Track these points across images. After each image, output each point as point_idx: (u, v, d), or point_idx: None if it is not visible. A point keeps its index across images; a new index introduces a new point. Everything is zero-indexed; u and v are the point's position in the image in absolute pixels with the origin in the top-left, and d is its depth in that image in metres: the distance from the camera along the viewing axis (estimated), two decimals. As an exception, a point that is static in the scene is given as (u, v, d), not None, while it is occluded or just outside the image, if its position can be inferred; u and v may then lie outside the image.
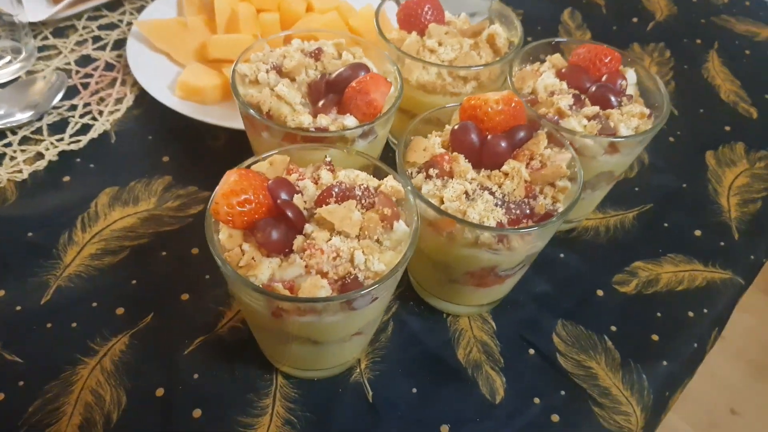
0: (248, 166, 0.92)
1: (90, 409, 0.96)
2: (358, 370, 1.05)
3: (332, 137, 0.99)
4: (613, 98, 1.11)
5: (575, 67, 1.16)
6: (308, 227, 0.86)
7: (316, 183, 0.91)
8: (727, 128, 1.56)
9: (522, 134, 1.03)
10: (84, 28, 1.62)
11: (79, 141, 1.35)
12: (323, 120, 1.00)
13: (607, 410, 1.02)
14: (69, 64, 1.53)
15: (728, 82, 1.69)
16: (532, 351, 1.09)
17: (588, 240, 1.28)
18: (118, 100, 1.44)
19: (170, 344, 1.05)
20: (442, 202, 0.93)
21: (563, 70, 1.16)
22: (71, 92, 1.45)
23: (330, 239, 0.84)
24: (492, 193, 0.95)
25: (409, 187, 0.93)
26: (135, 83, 1.47)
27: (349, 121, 1.01)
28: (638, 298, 1.19)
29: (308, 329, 0.87)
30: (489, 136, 1.01)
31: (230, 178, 0.84)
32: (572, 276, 1.21)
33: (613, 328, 1.13)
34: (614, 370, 1.08)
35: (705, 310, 1.18)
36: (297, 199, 0.89)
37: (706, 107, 1.61)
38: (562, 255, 1.24)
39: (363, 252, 0.84)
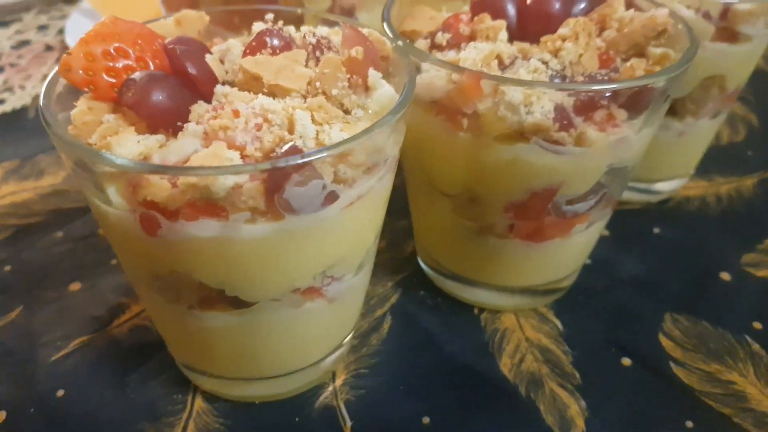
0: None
1: None
2: (330, 388, 0.63)
3: (290, 7, 0.64)
4: None
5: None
6: (220, 89, 0.49)
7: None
8: None
9: (585, 2, 0.66)
10: (33, 19, 1.38)
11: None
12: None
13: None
14: (2, 47, 1.26)
15: None
16: (627, 360, 0.66)
17: (692, 212, 0.87)
18: (47, 77, 1.14)
19: (32, 348, 0.66)
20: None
21: None
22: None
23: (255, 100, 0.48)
24: (544, 62, 0.58)
25: (399, 42, 0.56)
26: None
27: (313, -15, 0.67)
28: (788, 284, 0.76)
29: (215, 263, 0.48)
30: (531, -2, 0.64)
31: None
32: (678, 255, 0.80)
33: (758, 325, 0.69)
34: (774, 385, 0.64)
35: None
36: (212, 60, 0.53)
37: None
38: (657, 230, 0.84)
39: (313, 115, 0.46)
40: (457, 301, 0.73)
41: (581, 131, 0.55)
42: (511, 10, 0.66)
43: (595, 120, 0.57)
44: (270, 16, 0.60)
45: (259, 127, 0.46)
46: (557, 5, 0.65)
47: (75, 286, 0.75)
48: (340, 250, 0.52)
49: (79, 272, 0.77)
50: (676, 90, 0.75)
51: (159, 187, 0.43)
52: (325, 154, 0.43)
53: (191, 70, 0.51)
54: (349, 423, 0.60)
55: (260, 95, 0.49)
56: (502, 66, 0.59)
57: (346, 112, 0.50)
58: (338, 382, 0.64)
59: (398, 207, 0.74)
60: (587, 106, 0.57)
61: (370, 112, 0.51)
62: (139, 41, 0.53)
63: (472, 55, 0.58)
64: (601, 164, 0.59)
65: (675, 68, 0.56)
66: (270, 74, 0.50)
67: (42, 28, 1.34)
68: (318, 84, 0.49)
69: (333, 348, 0.63)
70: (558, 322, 0.71)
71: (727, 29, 0.72)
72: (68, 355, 0.67)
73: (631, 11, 0.65)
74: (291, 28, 0.58)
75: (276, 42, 0.54)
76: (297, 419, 0.61)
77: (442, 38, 0.62)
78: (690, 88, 0.76)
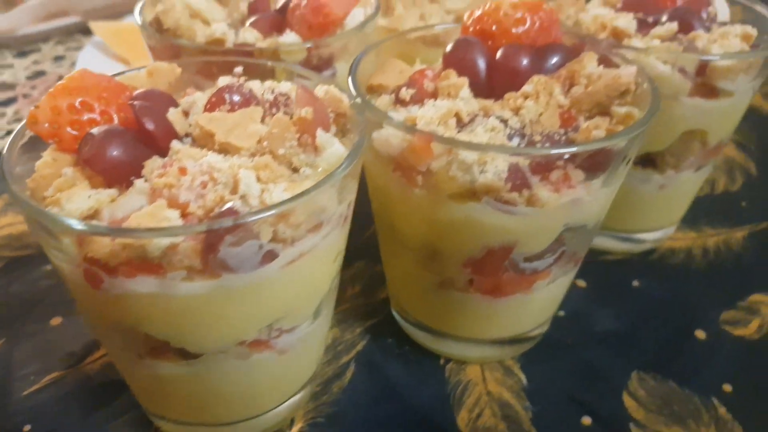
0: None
1: None
2: (288, 435, 0.64)
3: (261, 60, 0.67)
4: (697, 22, 0.75)
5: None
6: (176, 145, 0.51)
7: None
8: None
9: (556, 57, 0.67)
10: (51, 50, 1.43)
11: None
12: (249, 35, 0.68)
13: None
14: (18, 78, 1.32)
15: None
16: (588, 419, 0.66)
17: (676, 265, 0.86)
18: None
19: (7, 381, 0.69)
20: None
21: (618, 6, 0.81)
22: (9, 103, 1.23)
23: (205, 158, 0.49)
24: (503, 121, 0.59)
25: (358, 99, 0.58)
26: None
27: (289, 37, 0.69)
28: (765, 344, 0.74)
29: (156, 317, 0.50)
30: (502, 49, 0.65)
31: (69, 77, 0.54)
32: (654, 310, 0.79)
33: (728, 388, 0.68)
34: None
35: None
36: (174, 115, 0.55)
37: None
38: (636, 282, 0.83)
39: (258, 175, 0.48)
40: (425, 350, 0.74)
41: (532, 192, 0.56)
42: (481, 64, 0.67)
43: (551, 180, 0.58)
44: (239, 69, 0.63)
45: (204, 185, 0.48)
46: (524, 61, 0.65)
47: (56, 321, 0.77)
48: (285, 305, 0.54)
49: (62, 306, 0.79)
50: (655, 144, 0.76)
51: (100, 244, 0.45)
52: (257, 217, 0.45)
53: (148, 125, 0.53)
54: (300, 472, 0.61)
55: (210, 153, 0.51)
56: (461, 124, 0.60)
57: (295, 170, 0.52)
58: (294, 429, 0.65)
59: (374, 252, 0.75)
60: (543, 167, 0.57)
61: (319, 170, 0.52)
62: (105, 95, 0.56)
63: (429, 113, 0.59)
64: (556, 224, 0.59)
65: (630, 131, 0.57)
66: (222, 132, 0.52)
67: (58, 58, 1.39)
68: (266, 143, 0.51)
69: (288, 396, 0.64)
70: (523, 376, 0.71)
71: (706, 85, 0.72)
72: (40, 390, 0.69)
73: (601, 68, 0.65)
74: (256, 83, 0.60)
75: (236, 98, 0.56)
76: (251, 466, 0.62)
77: (406, 94, 0.63)
78: (669, 142, 0.76)
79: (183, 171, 0.48)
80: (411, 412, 0.67)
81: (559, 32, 0.71)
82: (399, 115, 0.61)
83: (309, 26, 0.70)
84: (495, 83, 0.66)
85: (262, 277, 0.49)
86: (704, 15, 0.79)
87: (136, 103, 0.54)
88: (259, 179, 0.49)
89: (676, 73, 0.70)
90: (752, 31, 0.74)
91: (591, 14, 0.80)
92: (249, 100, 0.56)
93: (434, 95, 0.63)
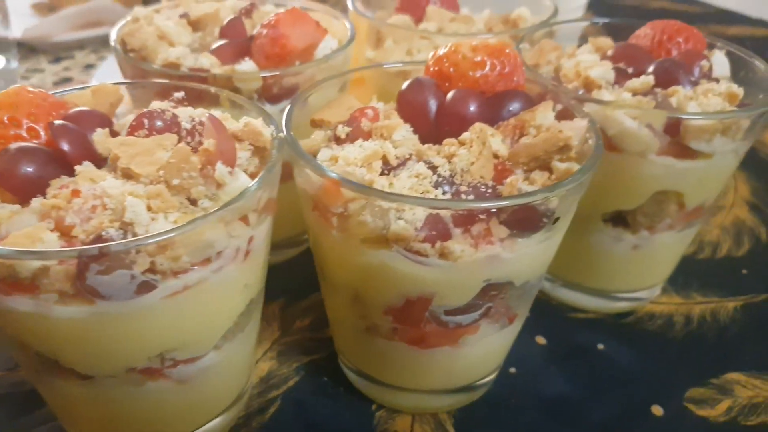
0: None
1: None
2: (196, 466, 0.63)
3: (216, 84, 0.67)
4: (682, 75, 0.71)
5: (630, 47, 0.78)
6: (81, 167, 0.52)
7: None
8: None
9: (513, 105, 0.65)
10: (84, 58, 1.50)
11: None
12: (205, 60, 0.69)
13: None
14: (45, 82, 1.39)
15: None
16: (513, 490, 0.62)
17: (651, 332, 0.81)
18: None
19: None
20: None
21: (610, 53, 0.78)
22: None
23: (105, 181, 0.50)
24: (432, 167, 0.57)
25: (281, 134, 0.57)
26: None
27: (246, 65, 0.69)
28: (731, 429, 0.68)
29: (40, 336, 0.50)
30: (452, 93, 0.63)
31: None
32: (614, 378, 0.74)
33: (678, 475, 0.63)
34: None
35: None
36: (100, 136, 0.56)
37: None
38: (601, 345, 0.78)
39: (149, 204, 0.48)
40: (359, 394, 0.72)
41: (444, 245, 0.53)
42: (431, 107, 0.65)
43: (473, 234, 0.55)
44: (179, 94, 0.63)
45: (93, 210, 0.48)
46: (472, 107, 0.63)
47: None
48: (175, 336, 0.53)
49: None
50: (624, 202, 0.72)
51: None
52: (123, 248, 0.45)
53: (61, 144, 0.54)
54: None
55: (112, 177, 0.51)
56: (388, 167, 0.58)
57: (193, 203, 0.51)
58: (205, 460, 0.64)
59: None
60: (465, 219, 0.55)
61: (220, 203, 0.52)
62: (35, 111, 0.57)
63: (354, 153, 0.57)
64: (474, 279, 0.57)
65: (552, 189, 0.53)
66: (127, 156, 0.52)
67: (88, 67, 1.46)
68: (161, 172, 0.51)
69: (197, 426, 0.63)
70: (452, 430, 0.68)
71: (680, 144, 0.67)
72: (-27, 391, 0.71)
73: (551, 119, 0.62)
74: (187, 110, 0.60)
75: (156, 123, 0.56)
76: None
77: (342, 131, 0.62)
78: (639, 201, 0.72)
79: (76, 193, 0.49)
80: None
81: (522, 79, 0.68)
82: (327, 153, 0.60)
83: (266, 56, 0.70)
84: (442, 128, 0.64)
85: (141, 307, 0.49)
86: (696, 69, 0.74)
87: (55, 122, 0.55)
88: (149, 208, 0.49)
89: (644, 130, 0.66)
90: (738, 91, 0.69)
91: (573, 61, 0.76)
92: (168, 127, 0.56)
93: (369, 135, 0.62)
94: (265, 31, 0.70)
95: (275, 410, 0.69)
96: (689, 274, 0.89)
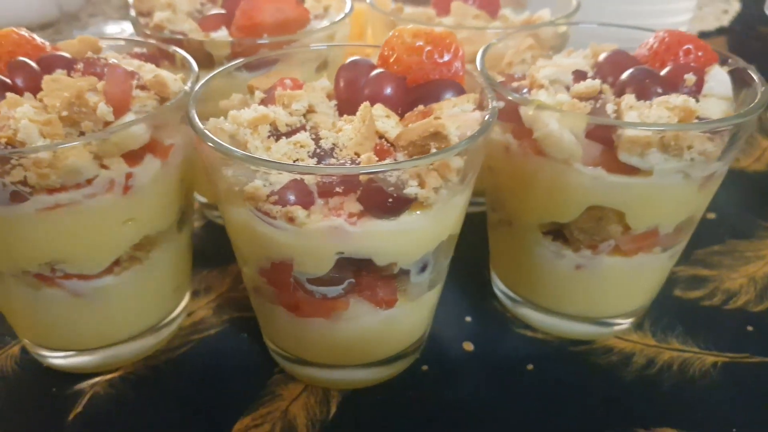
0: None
1: None
2: (104, 377, 0.72)
3: (190, 48, 0.76)
4: (649, 86, 0.66)
5: (620, 54, 0.73)
6: (12, 95, 0.63)
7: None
8: None
9: (439, 92, 0.66)
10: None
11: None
12: (186, 26, 0.78)
13: None
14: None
15: None
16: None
17: (599, 365, 0.76)
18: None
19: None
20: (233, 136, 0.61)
21: (600, 59, 0.74)
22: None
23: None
24: (317, 139, 0.60)
25: (192, 86, 0.64)
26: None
27: (219, 34, 0.77)
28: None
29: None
30: (374, 74, 0.66)
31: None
32: (528, 403, 0.71)
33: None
34: None
35: None
36: (55, 74, 0.67)
37: None
38: (531, 366, 0.74)
39: (41, 129, 0.58)
40: (267, 355, 0.76)
41: (289, 210, 0.56)
42: (357, 86, 0.67)
43: (329, 205, 0.57)
44: (140, 50, 0.73)
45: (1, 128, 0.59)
46: (388, 89, 0.65)
47: None
48: (56, 248, 0.62)
49: None
50: (556, 213, 0.69)
51: None
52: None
53: (12, 77, 0.65)
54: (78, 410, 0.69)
55: (26, 104, 0.61)
56: (277, 133, 0.62)
57: (82, 134, 0.60)
58: (109, 377, 0.73)
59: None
60: (327, 190, 0.57)
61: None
62: (12, 50, 0.70)
63: (246, 115, 0.62)
64: (325, 249, 0.58)
65: (393, 165, 0.54)
66: (47, 90, 0.62)
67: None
68: (58, 104, 0.60)
69: (108, 343, 0.72)
70: (333, 410, 0.70)
71: (614, 156, 0.63)
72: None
73: (457, 109, 0.62)
74: (134, 62, 0.69)
75: (96, 69, 0.66)
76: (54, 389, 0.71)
77: (257, 96, 0.67)
78: (572, 214, 0.67)
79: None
80: (218, 394, 0.71)
81: (462, 70, 0.68)
82: (233, 114, 0.64)
83: (237, 26, 0.77)
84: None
85: (20, 215, 0.58)
86: (685, 83, 0.67)
87: (16, 59, 0.67)
88: (42, 133, 0.58)
89: (567, 134, 0.62)
90: (694, 106, 0.62)
91: (544, 62, 0.74)
92: (96, 72, 0.65)
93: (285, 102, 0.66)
94: (241, 5, 0.77)
95: (186, 350, 0.76)
96: (679, 317, 0.81)
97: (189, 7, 0.85)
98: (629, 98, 0.64)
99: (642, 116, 0.62)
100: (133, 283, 0.69)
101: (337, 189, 0.57)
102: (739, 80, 0.71)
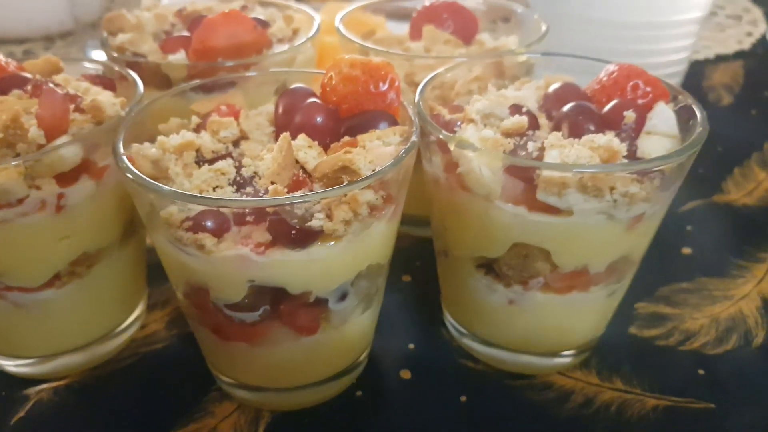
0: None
1: None
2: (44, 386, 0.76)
3: (148, 70, 0.79)
4: (584, 122, 0.65)
5: (567, 87, 0.73)
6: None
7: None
8: None
9: (374, 122, 0.67)
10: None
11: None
12: (146, 47, 0.81)
13: None
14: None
15: None
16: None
17: (533, 400, 0.75)
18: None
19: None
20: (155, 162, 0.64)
21: (549, 90, 0.74)
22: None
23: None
24: (239, 167, 0.62)
25: (129, 110, 0.67)
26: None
27: (176, 57, 0.80)
28: None
29: None
30: (307, 102, 0.68)
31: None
32: None
33: None
34: None
35: None
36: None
37: None
38: (464, 397, 0.74)
39: None
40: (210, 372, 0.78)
41: (197, 237, 0.58)
42: (288, 114, 0.69)
43: (242, 234, 0.59)
44: (97, 69, 0.76)
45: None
46: (318, 119, 0.67)
47: None
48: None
49: None
50: (483, 248, 0.69)
51: None
52: None
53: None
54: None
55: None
56: (203, 159, 0.64)
57: (18, 155, 0.63)
58: (61, 383, 0.76)
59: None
60: (239, 218, 0.59)
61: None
62: None
63: (172, 141, 0.64)
64: (236, 277, 0.60)
65: (290, 199, 0.56)
66: (-6, 110, 0.66)
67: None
68: (-3, 126, 0.63)
69: (47, 353, 0.75)
70: (261, 429, 0.71)
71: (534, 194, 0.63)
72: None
73: (378, 142, 0.63)
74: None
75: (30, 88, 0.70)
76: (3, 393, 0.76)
77: (193, 122, 0.69)
78: (498, 250, 0.67)
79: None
80: (153, 407, 0.74)
81: (397, 101, 0.69)
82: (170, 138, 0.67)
83: (193, 50, 0.80)
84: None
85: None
86: (625, 121, 0.67)
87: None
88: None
89: (486, 171, 0.63)
90: (618, 147, 0.61)
91: (488, 95, 0.74)
92: (36, 93, 0.69)
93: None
94: (198, 29, 0.80)
95: (132, 362, 0.79)
96: (629, 355, 0.79)
97: (156, 27, 0.88)
98: (554, 136, 0.64)
99: (563, 155, 0.61)
100: (75, 297, 0.72)
101: (248, 218, 0.59)
102: (686, 118, 0.69)
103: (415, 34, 0.99)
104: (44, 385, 0.76)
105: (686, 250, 0.97)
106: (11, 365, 0.77)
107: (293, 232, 0.57)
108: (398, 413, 0.73)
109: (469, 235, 0.70)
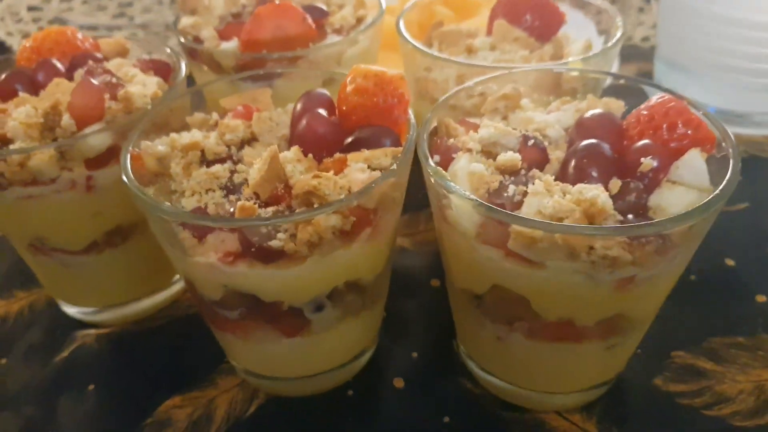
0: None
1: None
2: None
3: (203, 56, 0.85)
4: (587, 166, 0.61)
5: (600, 117, 0.67)
6: (24, 94, 0.77)
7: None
8: None
9: (377, 138, 0.68)
10: None
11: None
12: (205, 32, 0.87)
13: None
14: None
15: None
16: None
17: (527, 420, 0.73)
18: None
19: None
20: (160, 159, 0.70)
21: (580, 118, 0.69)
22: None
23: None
24: (232, 170, 0.67)
25: (149, 106, 0.73)
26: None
27: (228, 45, 0.85)
28: None
29: None
30: (309, 113, 0.70)
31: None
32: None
33: None
34: None
35: None
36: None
37: None
38: (447, 419, 0.75)
39: (26, 131, 0.71)
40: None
41: (182, 237, 0.63)
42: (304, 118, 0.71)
43: (219, 239, 0.64)
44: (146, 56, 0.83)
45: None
46: (321, 130, 0.69)
47: None
48: (37, 227, 0.77)
49: None
50: (461, 282, 0.67)
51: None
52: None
53: (35, 74, 0.80)
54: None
55: (27, 105, 0.74)
56: (205, 161, 0.69)
57: (54, 139, 0.72)
58: (105, 330, 0.88)
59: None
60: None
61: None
62: (51, 47, 0.84)
63: (181, 140, 0.69)
64: (212, 281, 0.65)
65: (252, 220, 0.58)
66: (48, 94, 0.75)
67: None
68: (39, 111, 0.72)
69: (106, 304, 0.87)
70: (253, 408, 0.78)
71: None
72: None
73: (360, 165, 0.64)
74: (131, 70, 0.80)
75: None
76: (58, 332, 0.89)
77: (212, 119, 0.74)
78: (480, 288, 0.66)
79: (3, 110, 0.75)
80: (169, 369, 0.83)
81: (404, 117, 0.69)
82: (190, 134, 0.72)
83: (242, 41, 0.83)
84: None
85: (6, 199, 0.73)
86: (641, 168, 0.60)
87: (46, 59, 0.81)
88: (27, 134, 0.72)
89: (462, 210, 0.61)
90: (604, 204, 0.56)
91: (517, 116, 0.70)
92: (95, 70, 0.77)
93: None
94: (251, 18, 0.83)
95: (162, 323, 0.89)
96: (641, 409, 0.74)
97: (225, 10, 0.93)
98: (543, 181, 0.59)
99: (540, 206, 0.57)
100: (113, 262, 0.83)
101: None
102: (722, 170, 0.61)
103: (492, 26, 0.94)
104: (92, 330, 0.88)
105: (761, 298, 0.86)
106: (71, 310, 0.90)
107: (253, 249, 0.60)
108: (380, 420, 0.76)
109: (457, 267, 0.68)
